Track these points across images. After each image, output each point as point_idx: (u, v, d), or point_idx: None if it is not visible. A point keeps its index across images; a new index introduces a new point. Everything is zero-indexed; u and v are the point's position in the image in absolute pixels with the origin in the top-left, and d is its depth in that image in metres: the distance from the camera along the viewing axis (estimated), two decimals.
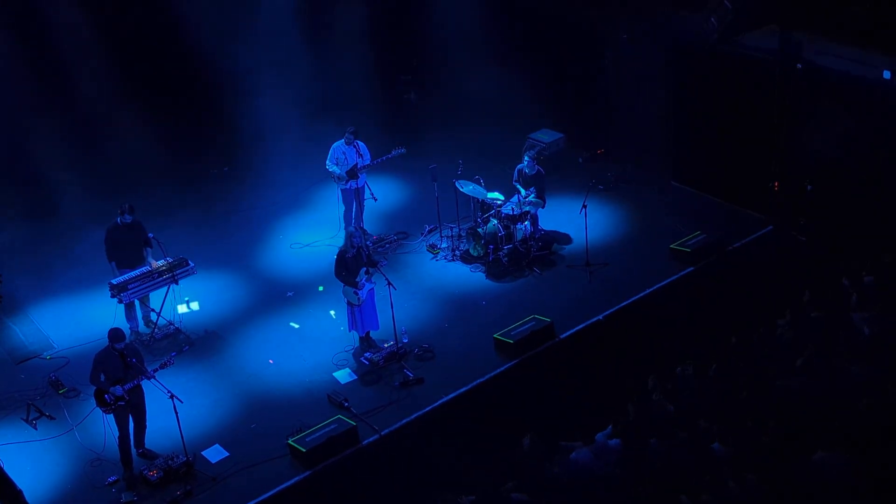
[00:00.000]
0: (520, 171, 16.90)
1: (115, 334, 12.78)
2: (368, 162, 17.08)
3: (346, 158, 16.93)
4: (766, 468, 11.54)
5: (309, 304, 16.22)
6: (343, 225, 17.40)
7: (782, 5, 16.11)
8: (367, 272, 14.57)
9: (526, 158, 16.79)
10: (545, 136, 19.66)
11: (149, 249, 15.36)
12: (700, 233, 16.65)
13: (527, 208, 16.62)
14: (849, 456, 11.39)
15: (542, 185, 16.81)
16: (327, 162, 17.06)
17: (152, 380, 12.81)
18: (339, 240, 17.26)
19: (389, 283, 14.46)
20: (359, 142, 17.03)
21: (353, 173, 17.01)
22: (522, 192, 16.77)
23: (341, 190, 17.26)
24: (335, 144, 17.02)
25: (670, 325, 15.40)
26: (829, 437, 11.70)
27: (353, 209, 17.41)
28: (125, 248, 15.23)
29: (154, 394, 13.03)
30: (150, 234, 15.33)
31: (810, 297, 14.67)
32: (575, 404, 14.15)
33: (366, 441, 13.32)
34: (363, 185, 17.27)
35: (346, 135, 16.91)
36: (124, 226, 15.11)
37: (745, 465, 11.65)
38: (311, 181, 19.15)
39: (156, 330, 15.52)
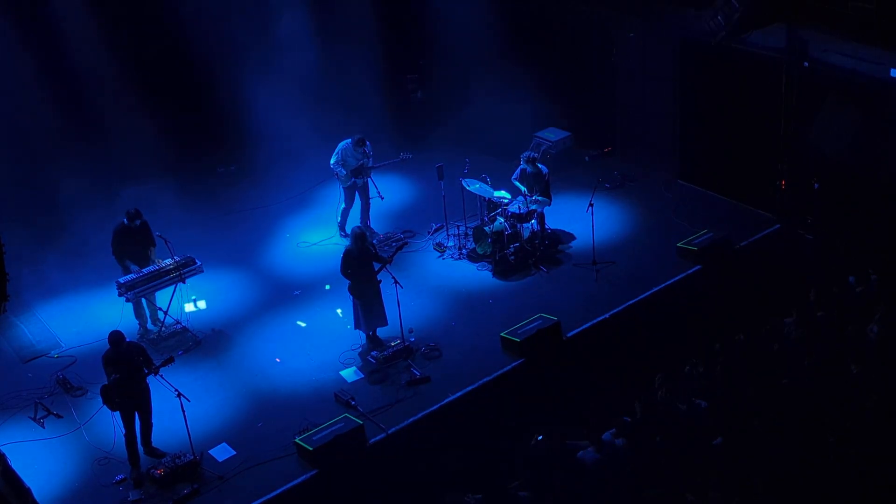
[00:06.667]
0: (522, 170, 16.90)
1: (114, 338, 12.82)
2: (371, 164, 17.12)
3: (351, 159, 16.95)
4: (774, 467, 11.55)
5: (316, 302, 16.24)
6: (341, 220, 17.56)
7: (789, 3, 16.07)
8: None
9: (522, 158, 16.78)
10: (552, 134, 19.65)
11: (153, 249, 15.39)
12: (707, 231, 16.64)
13: (533, 207, 16.62)
14: (857, 455, 11.39)
15: (544, 184, 16.79)
16: (332, 161, 17.08)
17: (159, 377, 12.86)
18: (341, 237, 17.40)
19: (396, 282, 14.48)
20: (368, 144, 17.03)
21: (357, 172, 17.04)
22: (522, 189, 16.77)
23: (344, 188, 17.32)
24: (342, 145, 17.03)
25: (677, 323, 15.40)
26: (837, 436, 11.69)
27: (356, 207, 17.44)
28: (132, 249, 15.28)
29: (161, 392, 13.07)
30: (157, 233, 15.36)
31: (817, 295, 14.65)
32: (581, 403, 14.15)
33: (373, 440, 13.34)
34: (363, 184, 17.28)
35: (355, 142, 16.91)
36: (132, 227, 15.16)
37: (752, 463, 11.66)
38: (318, 180, 19.16)
39: (162, 328, 15.56)
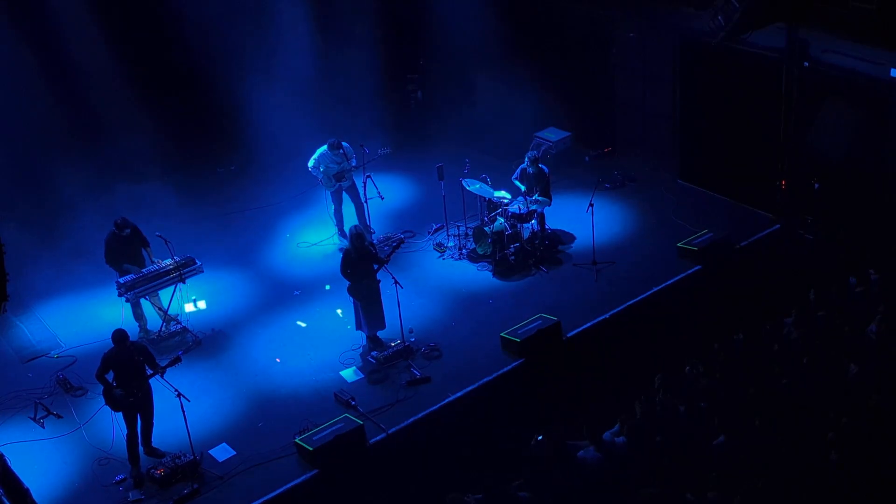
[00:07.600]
0: (523, 170, 16.90)
1: (117, 336, 12.83)
2: (354, 164, 17.12)
3: (332, 164, 16.94)
4: (774, 467, 11.54)
5: (316, 302, 16.23)
6: (336, 222, 17.59)
7: (789, 3, 16.07)
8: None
9: (526, 158, 16.79)
10: (552, 134, 19.65)
11: (149, 248, 15.39)
12: (707, 231, 16.64)
13: (533, 207, 16.62)
14: (857, 455, 11.39)
15: (545, 184, 16.79)
16: (310, 165, 17.06)
17: (162, 376, 12.86)
18: (340, 238, 17.40)
19: (396, 282, 14.47)
20: (344, 144, 17.00)
21: (340, 176, 17.04)
22: (522, 188, 16.77)
23: (330, 192, 17.33)
24: (319, 151, 17.01)
25: (677, 323, 15.40)
26: (835, 436, 11.69)
27: (351, 208, 17.45)
28: (126, 254, 15.28)
29: (161, 392, 13.07)
30: (157, 233, 15.35)
31: (817, 295, 14.65)
32: (581, 403, 14.15)
33: (373, 440, 13.34)
34: (350, 186, 17.26)
35: (330, 146, 16.89)
36: (122, 236, 15.16)
37: (752, 463, 11.66)
38: (318, 180, 19.13)
39: (163, 328, 15.55)
